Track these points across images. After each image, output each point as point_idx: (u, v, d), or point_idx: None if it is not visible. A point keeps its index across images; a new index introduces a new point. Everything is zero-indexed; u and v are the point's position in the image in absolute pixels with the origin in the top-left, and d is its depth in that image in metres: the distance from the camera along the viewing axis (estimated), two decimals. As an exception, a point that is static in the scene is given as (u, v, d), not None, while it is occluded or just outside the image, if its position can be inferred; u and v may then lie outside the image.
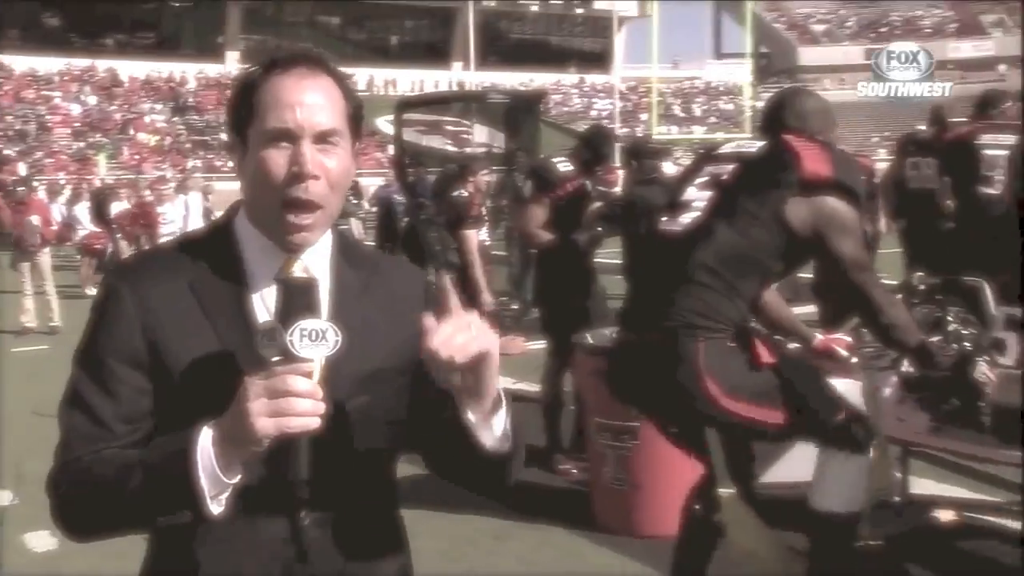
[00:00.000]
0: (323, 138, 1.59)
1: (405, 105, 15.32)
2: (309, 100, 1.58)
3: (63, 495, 1.59)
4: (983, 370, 3.14)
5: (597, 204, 6.58)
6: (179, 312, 1.59)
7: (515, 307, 10.52)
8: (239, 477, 1.49)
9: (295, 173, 1.56)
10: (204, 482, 1.45)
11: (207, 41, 57.97)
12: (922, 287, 3.56)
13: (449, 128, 15.31)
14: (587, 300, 6.48)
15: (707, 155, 3.50)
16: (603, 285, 6.88)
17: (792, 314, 3.78)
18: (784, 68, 69.04)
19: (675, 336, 3.05)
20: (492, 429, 1.60)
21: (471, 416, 1.57)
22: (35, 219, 13.22)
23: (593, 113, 56.27)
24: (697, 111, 63.28)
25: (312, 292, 1.51)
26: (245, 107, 1.61)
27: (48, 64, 52.01)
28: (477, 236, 7.53)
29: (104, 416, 1.58)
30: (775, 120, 3.40)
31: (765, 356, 3.15)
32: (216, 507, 1.48)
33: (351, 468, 1.66)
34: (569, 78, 63.47)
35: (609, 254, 7.75)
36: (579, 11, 66.51)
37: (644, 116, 54.60)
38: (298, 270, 1.60)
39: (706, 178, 3.29)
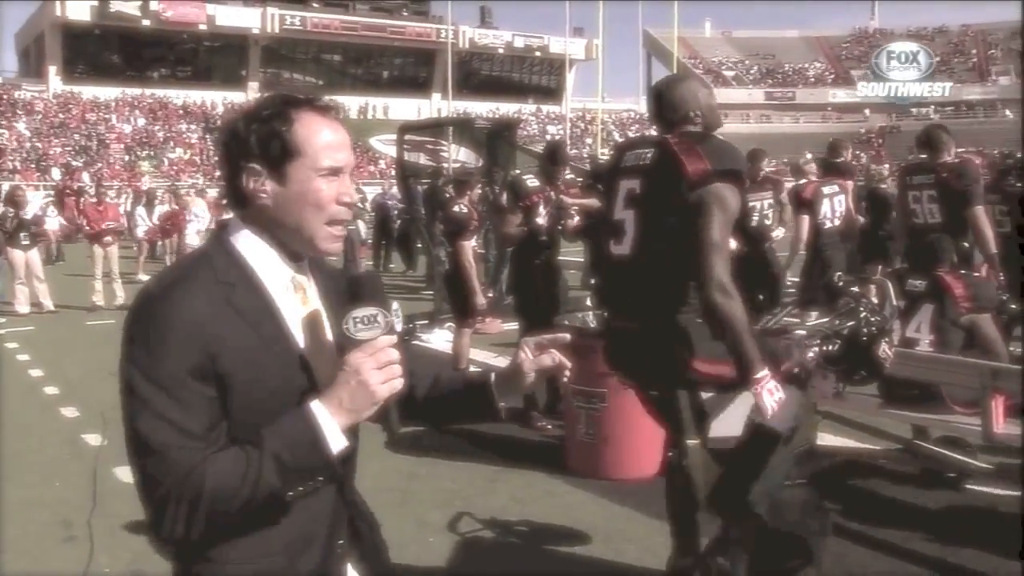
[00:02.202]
0: (350, 171, 1.63)
1: (405, 129, 14.99)
2: (347, 141, 1.62)
3: (190, 516, 1.43)
4: (884, 349, 3.17)
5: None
6: (225, 324, 1.50)
7: (491, 295, 10.53)
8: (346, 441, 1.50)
9: (345, 201, 1.60)
10: (335, 453, 1.48)
11: (233, 74, 57.15)
12: (841, 284, 3.57)
13: (434, 149, 15.13)
14: (552, 290, 6.48)
15: (616, 169, 3.29)
16: (565, 278, 6.90)
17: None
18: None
19: (654, 322, 3.08)
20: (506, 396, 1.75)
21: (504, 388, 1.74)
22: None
23: (547, 137, 56.06)
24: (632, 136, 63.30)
25: (379, 281, 1.55)
26: (282, 143, 1.56)
27: (107, 92, 51.61)
28: (471, 245, 7.42)
29: (191, 428, 1.45)
30: (658, 115, 3.26)
31: None
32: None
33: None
34: (528, 107, 63.10)
35: (570, 253, 7.76)
36: (537, 53, 66.27)
37: (589, 140, 54.38)
38: (300, 272, 1.63)
39: (624, 193, 3.18)
